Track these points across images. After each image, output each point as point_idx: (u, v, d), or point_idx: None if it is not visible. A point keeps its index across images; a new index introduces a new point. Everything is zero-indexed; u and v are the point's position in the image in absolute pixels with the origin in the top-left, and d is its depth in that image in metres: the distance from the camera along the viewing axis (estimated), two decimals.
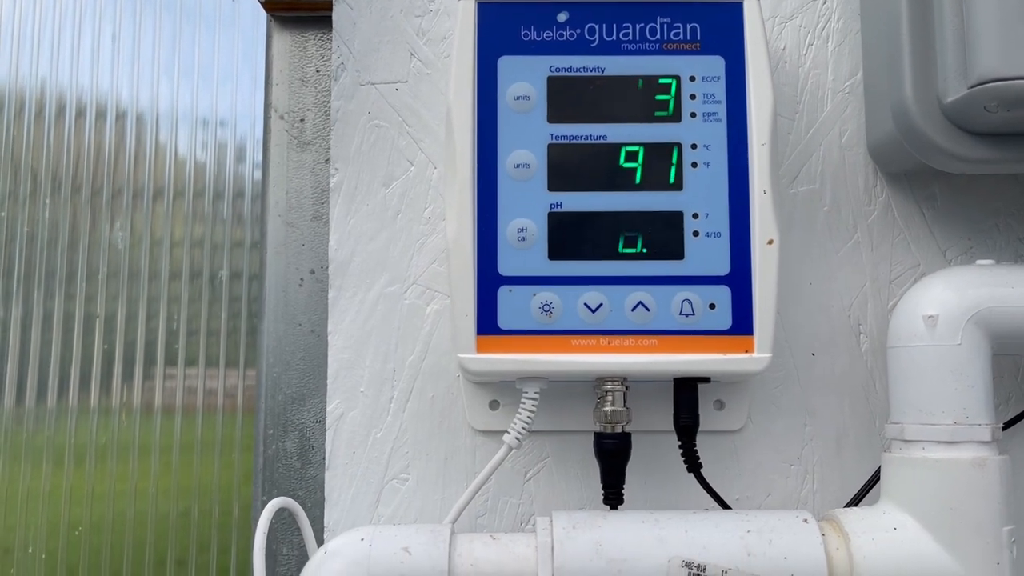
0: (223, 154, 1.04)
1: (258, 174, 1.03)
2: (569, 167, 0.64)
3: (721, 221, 0.63)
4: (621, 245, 0.63)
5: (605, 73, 0.65)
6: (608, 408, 0.63)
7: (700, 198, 0.63)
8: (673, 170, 0.64)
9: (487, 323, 0.62)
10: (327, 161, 0.81)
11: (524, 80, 0.64)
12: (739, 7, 0.65)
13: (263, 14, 0.85)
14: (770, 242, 0.62)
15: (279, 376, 0.79)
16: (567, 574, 0.56)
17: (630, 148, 0.64)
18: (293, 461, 0.78)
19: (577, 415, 0.69)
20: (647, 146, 0.64)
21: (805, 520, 0.59)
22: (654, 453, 0.69)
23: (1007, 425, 0.67)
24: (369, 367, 0.72)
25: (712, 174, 0.63)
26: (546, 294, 0.62)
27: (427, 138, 0.74)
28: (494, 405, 0.70)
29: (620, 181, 0.64)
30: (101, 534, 0.99)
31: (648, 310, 0.62)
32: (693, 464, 0.64)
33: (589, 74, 0.65)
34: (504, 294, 0.62)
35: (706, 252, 0.63)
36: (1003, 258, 0.72)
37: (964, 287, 0.60)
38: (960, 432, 0.58)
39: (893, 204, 0.73)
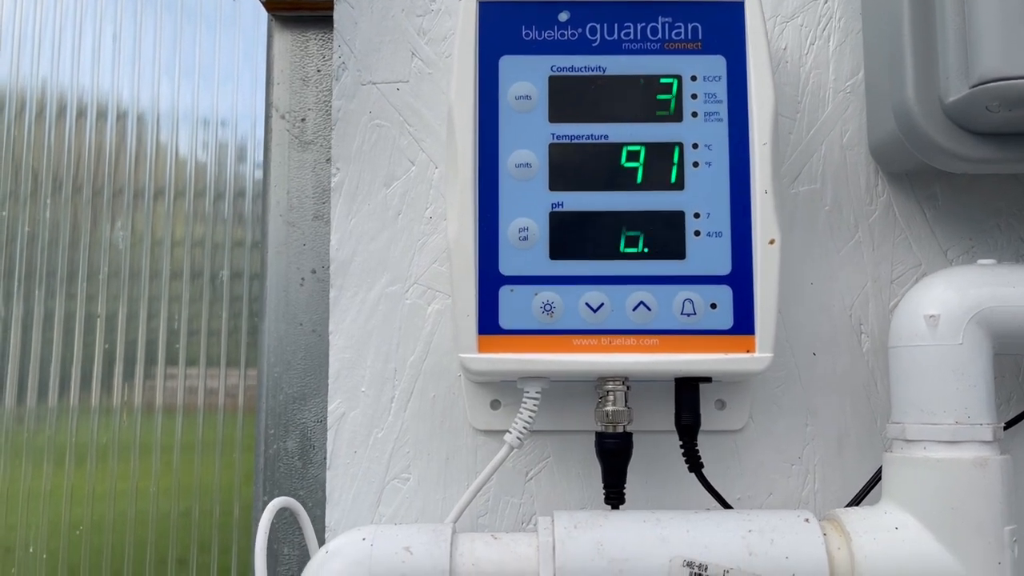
0: (224, 154, 1.04)
1: (259, 174, 1.03)
2: (570, 167, 0.64)
3: (722, 221, 0.63)
4: (622, 245, 0.63)
5: (606, 73, 0.65)
6: (609, 408, 0.63)
7: (701, 198, 0.63)
8: (674, 170, 0.64)
9: (488, 323, 0.62)
10: (328, 161, 0.81)
11: (525, 80, 0.64)
12: (740, 7, 0.65)
13: (264, 14, 0.85)
14: (771, 242, 0.62)
15: (280, 376, 0.79)
16: (569, 574, 0.56)
17: (631, 148, 0.64)
18: (294, 461, 0.78)
19: (578, 415, 0.69)
20: (648, 146, 0.64)
21: (807, 520, 0.59)
22: (655, 453, 0.69)
23: (1008, 425, 0.67)
24: (370, 367, 0.72)
25: (713, 174, 0.63)
26: (547, 294, 0.62)
27: (428, 138, 0.74)
28: (495, 405, 0.70)
29: (621, 181, 0.64)
30: (102, 534, 0.99)
31: (649, 310, 0.62)
32: (694, 464, 0.64)
33: (590, 74, 0.65)
34: (505, 294, 0.62)
35: (707, 252, 0.63)
36: (1004, 258, 0.72)
37: (966, 287, 0.60)
38: (962, 432, 0.58)
39: (894, 204, 0.73)
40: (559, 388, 0.67)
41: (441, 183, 0.73)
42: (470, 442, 0.71)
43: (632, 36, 0.65)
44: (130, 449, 1.00)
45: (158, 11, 1.06)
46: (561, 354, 0.62)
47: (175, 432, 1.00)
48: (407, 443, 0.71)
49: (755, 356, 0.62)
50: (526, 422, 0.64)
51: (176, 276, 1.02)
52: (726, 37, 0.65)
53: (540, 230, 0.63)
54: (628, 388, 0.63)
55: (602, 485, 0.64)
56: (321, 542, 0.68)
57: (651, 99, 0.64)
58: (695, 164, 0.63)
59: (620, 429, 0.63)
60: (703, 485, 0.65)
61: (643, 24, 0.65)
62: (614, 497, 0.64)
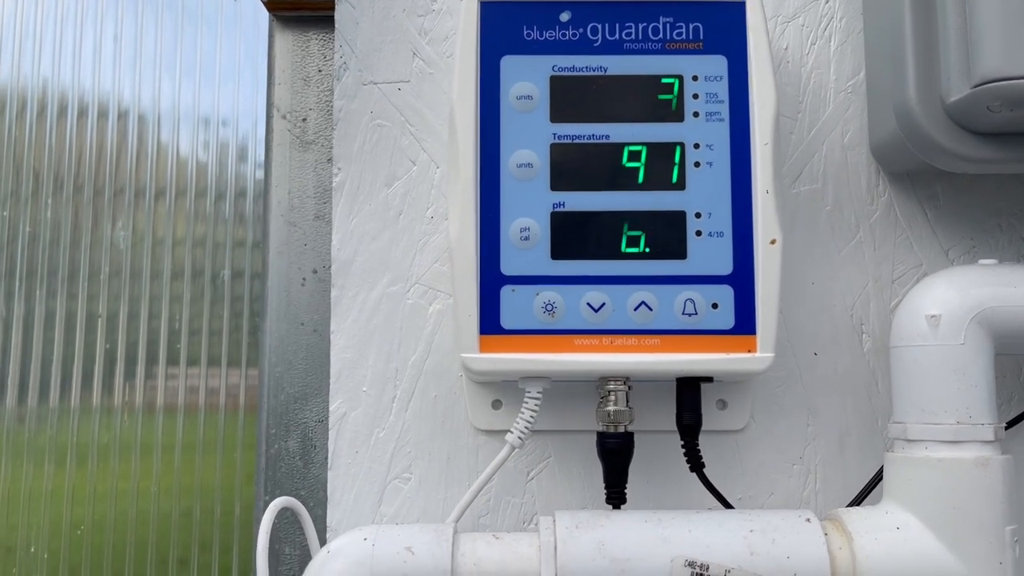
0: (225, 154, 1.04)
1: (260, 173, 1.03)
2: (572, 167, 0.64)
3: (724, 221, 0.63)
4: (624, 245, 0.63)
5: (608, 73, 0.65)
6: (611, 407, 0.63)
7: (703, 198, 0.63)
8: (676, 170, 0.64)
9: (490, 323, 0.62)
10: (329, 161, 0.82)
11: (527, 80, 0.64)
12: (742, 7, 0.65)
13: (265, 13, 0.85)
14: (773, 242, 0.62)
15: (281, 376, 0.79)
16: (570, 574, 0.56)
17: (633, 148, 0.64)
18: (295, 460, 0.78)
19: (580, 414, 0.69)
20: (650, 146, 0.64)
21: (808, 520, 0.59)
22: (657, 453, 0.69)
23: (1009, 424, 0.67)
24: (372, 367, 0.72)
25: (715, 174, 0.63)
26: (549, 294, 0.62)
27: (429, 138, 0.74)
28: (496, 405, 0.70)
29: (623, 181, 0.64)
30: (103, 533, 1.00)
31: (651, 310, 0.62)
32: (696, 464, 0.64)
33: (592, 74, 0.65)
34: (507, 294, 0.62)
35: (709, 252, 0.63)
36: (1005, 258, 0.72)
37: (967, 287, 0.60)
38: (963, 432, 0.58)
39: (895, 204, 0.73)
40: (560, 388, 0.67)
41: (442, 183, 0.73)
42: (471, 442, 0.71)
43: (633, 36, 0.65)
44: (131, 449, 1.00)
45: (159, 11, 1.06)
46: (562, 354, 0.62)
47: (176, 432, 1.00)
48: (408, 443, 0.71)
49: (756, 356, 0.62)
50: (527, 422, 0.64)
51: (177, 276, 1.02)
52: (727, 37, 0.65)
53: (541, 230, 0.63)
54: (629, 388, 0.63)
55: (603, 485, 0.64)
56: (322, 542, 0.68)
57: (652, 99, 0.64)
58: (696, 164, 0.63)
59: (621, 429, 0.63)
60: (704, 485, 0.65)
61: (644, 24, 0.65)
62: (615, 497, 0.64)
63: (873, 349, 0.72)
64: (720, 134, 0.64)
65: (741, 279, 0.62)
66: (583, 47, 0.65)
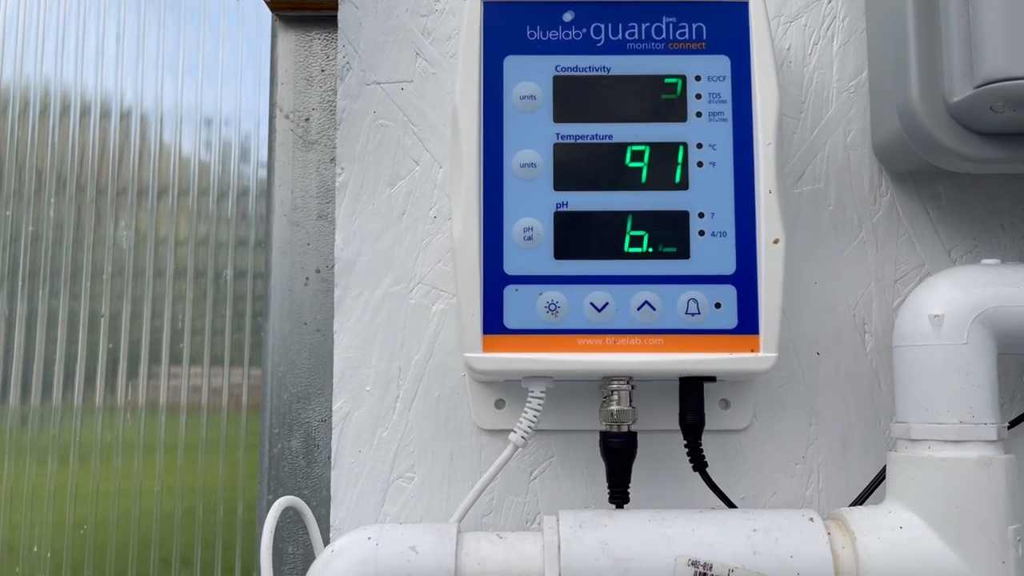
0: (227, 153, 1.04)
1: (262, 173, 1.03)
2: (575, 166, 0.64)
3: (727, 220, 0.63)
4: (627, 244, 0.63)
5: (611, 73, 0.65)
6: (614, 407, 0.63)
7: (706, 197, 0.63)
8: (679, 170, 0.64)
9: (493, 322, 0.62)
10: (332, 160, 0.82)
11: (530, 80, 0.64)
12: (744, 7, 0.65)
13: (268, 13, 0.85)
14: (775, 241, 0.62)
15: (284, 375, 0.79)
16: (574, 573, 0.56)
17: (636, 148, 0.64)
18: (299, 460, 0.79)
19: (583, 414, 0.69)
20: (653, 146, 0.64)
21: (811, 519, 0.59)
22: (660, 452, 0.70)
23: (1012, 424, 0.67)
24: (375, 366, 0.72)
25: (718, 174, 0.63)
26: (552, 293, 0.62)
27: (432, 138, 0.74)
28: (500, 404, 0.70)
29: (626, 180, 0.64)
30: (106, 532, 1.00)
31: (654, 309, 0.62)
32: (699, 463, 0.65)
33: (595, 74, 0.65)
34: (510, 293, 0.63)
35: (712, 251, 0.63)
36: (1008, 257, 0.72)
37: (970, 286, 0.61)
38: (966, 431, 0.58)
39: (898, 203, 0.73)
40: (563, 387, 0.67)
41: (445, 183, 0.73)
42: (474, 441, 0.71)
43: (636, 36, 0.65)
44: (134, 448, 1.00)
45: (161, 10, 1.06)
46: (566, 354, 0.62)
47: (179, 431, 1.00)
48: (411, 442, 0.71)
49: (759, 356, 0.62)
50: (531, 421, 0.64)
51: (180, 275, 1.02)
52: (730, 37, 0.65)
53: (545, 230, 0.63)
54: (632, 387, 0.64)
55: (606, 484, 0.64)
56: (326, 541, 0.68)
57: (655, 99, 0.64)
58: (699, 164, 0.64)
59: (624, 428, 0.63)
60: (707, 484, 0.65)
61: (647, 24, 0.65)
62: (619, 496, 0.64)
63: (876, 349, 0.72)
64: (723, 134, 0.64)
65: (744, 279, 0.63)
66: (586, 47, 0.65)
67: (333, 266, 0.73)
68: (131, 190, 1.04)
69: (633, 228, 0.63)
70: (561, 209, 0.63)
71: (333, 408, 0.71)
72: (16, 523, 1.00)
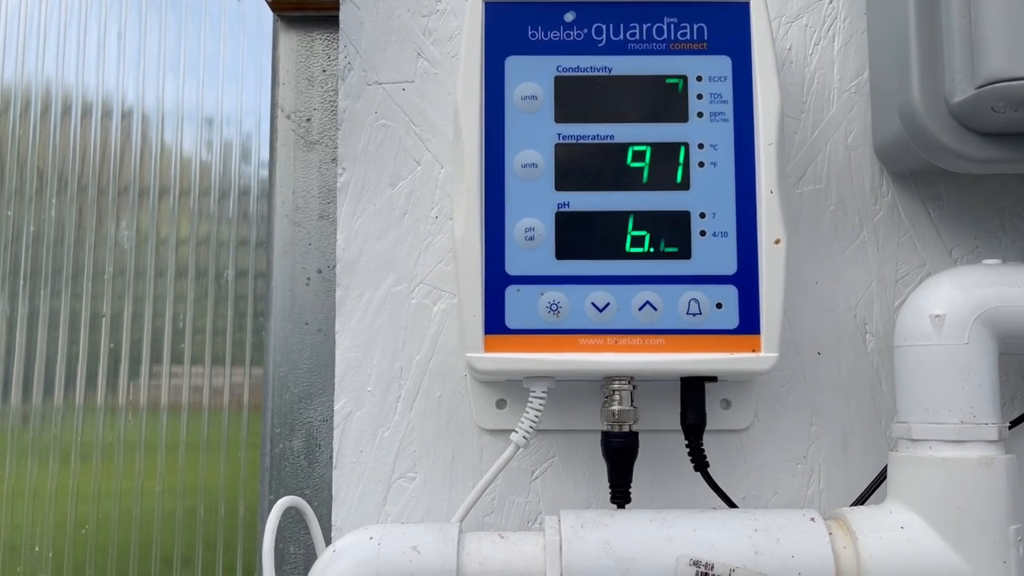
0: (228, 153, 1.05)
1: (263, 172, 1.03)
2: (576, 167, 0.64)
3: (728, 221, 0.63)
4: (628, 244, 0.63)
5: (612, 73, 0.65)
6: (615, 407, 0.63)
7: (707, 198, 0.63)
8: (680, 170, 0.64)
9: (495, 322, 0.62)
10: (334, 161, 0.82)
11: (531, 80, 0.65)
12: (746, 7, 0.65)
13: (269, 13, 0.85)
14: (777, 242, 0.62)
15: (286, 375, 0.80)
16: (575, 573, 0.56)
17: (637, 148, 0.64)
18: (300, 460, 0.79)
19: (584, 414, 0.69)
20: (654, 146, 0.64)
21: (812, 519, 0.59)
22: (661, 452, 0.70)
23: (1013, 424, 0.67)
24: (376, 366, 0.72)
25: (719, 174, 0.63)
26: (554, 293, 0.62)
27: (434, 138, 0.74)
28: (501, 404, 0.71)
29: (627, 181, 0.64)
30: (107, 532, 1.00)
31: (655, 309, 0.62)
32: (700, 463, 0.65)
33: (596, 74, 0.65)
34: (512, 293, 0.63)
35: (713, 251, 0.63)
36: (1009, 257, 0.72)
37: (971, 286, 0.61)
38: (967, 431, 0.58)
39: (899, 204, 0.73)
40: (565, 387, 0.67)
41: (447, 183, 0.73)
42: (476, 441, 0.71)
43: (638, 36, 0.65)
44: (135, 448, 1.00)
45: (163, 10, 1.06)
46: (567, 354, 0.62)
47: (180, 431, 1.01)
48: (413, 442, 0.71)
49: (760, 356, 0.62)
50: (532, 421, 0.64)
51: (181, 275, 1.03)
52: (731, 37, 0.65)
53: (546, 230, 0.63)
54: (634, 387, 0.64)
55: (608, 484, 0.64)
56: (327, 541, 0.68)
57: (657, 99, 0.64)
58: (701, 164, 0.64)
59: (626, 428, 0.63)
60: (709, 484, 0.65)
61: (649, 24, 0.65)
62: (620, 496, 0.64)
63: (877, 349, 0.72)
64: (724, 134, 0.64)
65: (745, 279, 0.63)
66: (587, 47, 0.65)
67: (334, 266, 0.73)
68: (132, 190, 1.04)
69: (634, 228, 0.63)
70: (562, 209, 0.63)
71: (335, 408, 0.71)
72: (18, 523, 1.00)
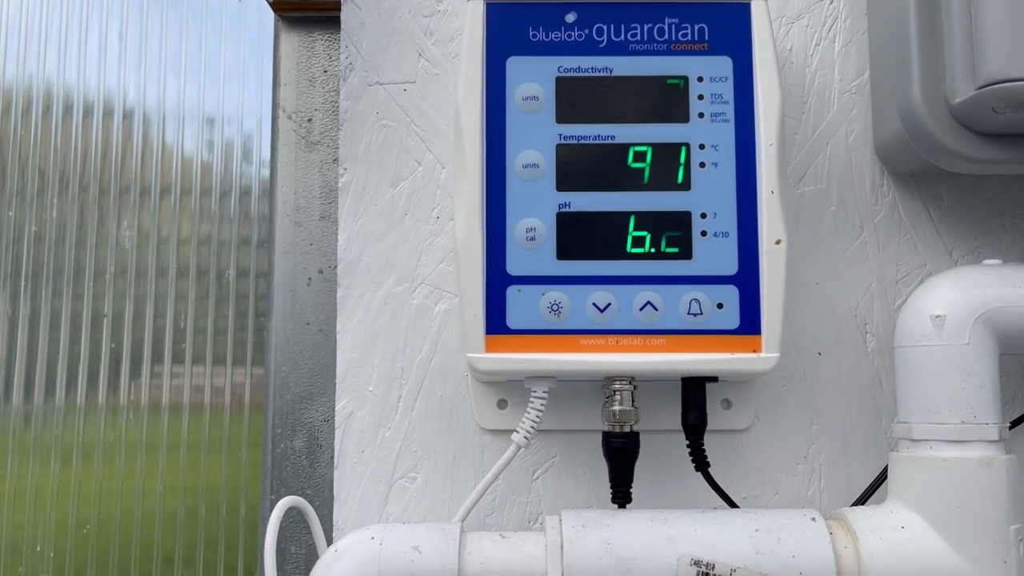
0: (229, 153, 1.05)
1: (264, 172, 1.03)
2: (577, 167, 0.64)
3: (729, 221, 0.63)
4: (629, 245, 0.63)
5: (613, 74, 0.65)
6: (616, 407, 0.63)
7: (708, 198, 0.63)
8: (681, 170, 0.64)
9: (496, 322, 0.62)
10: (335, 161, 0.82)
11: (533, 80, 0.65)
12: (747, 8, 0.65)
13: (270, 14, 0.85)
14: (777, 242, 0.62)
15: (287, 375, 0.80)
16: (577, 573, 0.56)
17: (638, 148, 0.64)
18: (301, 460, 0.79)
19: (585, 414, 0.69)
20: (655, 146, 0.64)
21: (813, 519, 0.59)
22: (662, 452, 0.70)
23: (1013, 424, 0.67)
24: (378, 366, 0.72)
25: (720, 174, 0.64)
26: (555, 294, 0.63)
27: (435, 138, 0.74)
28: (502, 404, 0.71)
29: (628, 181, 0.64)
30: (109, 532, 1.00)
31: (656, 310, 0.62)
32: (701, 463, 0.65)
33: (597, 74, 0.65)
34: (513, 294, 0.63)
35: (714, 252, 0.63)
36: (1009, 258, 0.72)
37: (971, 287, 0.61)
38: (968, 431, 0.58)
39: (899, 204, 0.73)
40: (566, 388, 0.67)
41: (448, 183, 0.74)
42: (477, 441, 0.71)
43: (639, 37, 0.65)
44: (136, 448, 1.00)
45: (164, 10, 1.06)
46: (568, 354, 0.62)
47: (181, 431, 1.01)
48: (414, 442, 0.71)
49: (761, 356, 0.62)
50: (533, 421, 0.64)
51: (182, 275, 1.03)
52: (732, 38, 0.65)
53: (547, 230, 0.63)
54: (635, 388, 0.64)
55: (609, 484, 0.64)
56: (329, 541, 0.68)
57: (658, 100, 0.65)
58: (702, 164, 0.64)
59: (627, 428, 0.64)
60: (709, 484, 0.65)
61: (650, 25, 0.65)
62: (621, 496, 0.64)
63: (877, 349, 0.72)
64: (725, 135, 0.64)
65: (746, 279, 0.63)
66: (589, 48, 0.65)
67: (336, 266, 0.73)
68: (134, 190, 1.04)
69: (635, 229, 0.63)
70: (563, 210, 0.63)
71: (336, 408, 0.72)
72: (19, 523, 1.00)
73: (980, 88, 0.59)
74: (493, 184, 0.64)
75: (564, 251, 0.63)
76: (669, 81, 0.65)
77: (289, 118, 0.83)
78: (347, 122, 0.74)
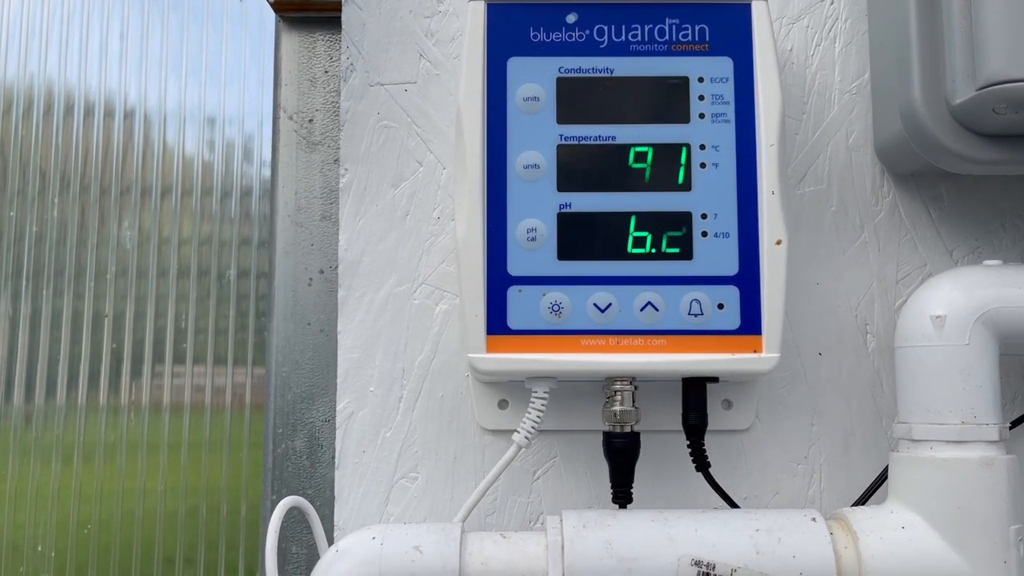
0: (230, 153, 1.05)
1: (265, 172, 1.03)
2: (578, 168, 0.64)
3: (729, 221, 0.63)
4: (630, 245, 0.63)
5: (614, 74, 0.65)
6: (617, 407, 0.63)
7: (708, 198, 0.63)
8: (682, 171, 0.64)
9: (497, 323, 0.63)
10: (336, 161, 0.82)
11: (533, 81, 0.65)
12: (747, 8, 0.65)
13: (271, 14, 0.85)
14: (778, 242, 0.62)
15: (288, 375, 0.80)
16: (577, 573, 0.57)
17: (639, 149, 0.64)
18: (302, 460, 0.79)
19: (586, 414, 0.69)
20: (656, 147, 0.64)
21: (813, 519, 0.59)
22: (663, 452, 0.70)
23: (1013, 424, 0.67)
24: (378, 367, 0.72)
25: (720, 175, 0.64)
26: (555, 294, 0.63)
27: (436, 139, 0.74)
28: (503, 404, 0.71)
29: (629, 181, 0.64)
30: (110, 532, 1.00)
31: (657, 310, 0.62)
32: (701, 463, 0.65)
33: (598, 75, 0.65)
34: (514, 294, 0.63)
35: (714, 252, 0.63)
36: (1010, 258, 0.72)
37: (972, 287, 0.61)
38: (968, 432, 0.59)
39: (900, 205, 0.73)
40: (567, 388, 0.68)
41: (449, 184, 0.74)
42: (478, 442, 0.71)
43: (639, 38, 0.65)
44: (137, 448, 1.01)
45: (165, 10, 1.06)
46: (569, 354, 0.62)
47: (182, 431, 1.01)
48: (415, 443, 0.71)
49: (762, 356, 0.62)
50: (534, 422, 0.64)
51: (183, 275, 1.03)
52: (733, 39, 0.65)
53: (548, 231, 0.63)
54: (635, 388, 0.64)
55: (610, 484, 0.64)
56: (330, 541, 0.68)
57: (658, 100, 0.65)
58: (702, 165, 0.64)
59: (628, 429, 0.64)
60: (710, 484, 0.65)
61: (650, 26, 0.65)
62: (622, 496, 0.64)
63: (878, 349, 0.72)
64: (726, 135, 0.64)
65: (747, 280, 0.63)
66: (589, 49, 0.65)
67: (337, 267, 0.73)
68: (135, 190, 1.04)
69: (636, 229, 0.63)
70: (564, 210, 0.63)
71: (337, 408, 0.72)
72: (20, 523, 1.01)
73: (980, 89, 0.59)
74: (494, 184, 0.64)
75: (565, 251, 0.63)
76: (670, 82, 0.65)
77: (290, 118, 0.83)
78: (348, 122, 0.74)
